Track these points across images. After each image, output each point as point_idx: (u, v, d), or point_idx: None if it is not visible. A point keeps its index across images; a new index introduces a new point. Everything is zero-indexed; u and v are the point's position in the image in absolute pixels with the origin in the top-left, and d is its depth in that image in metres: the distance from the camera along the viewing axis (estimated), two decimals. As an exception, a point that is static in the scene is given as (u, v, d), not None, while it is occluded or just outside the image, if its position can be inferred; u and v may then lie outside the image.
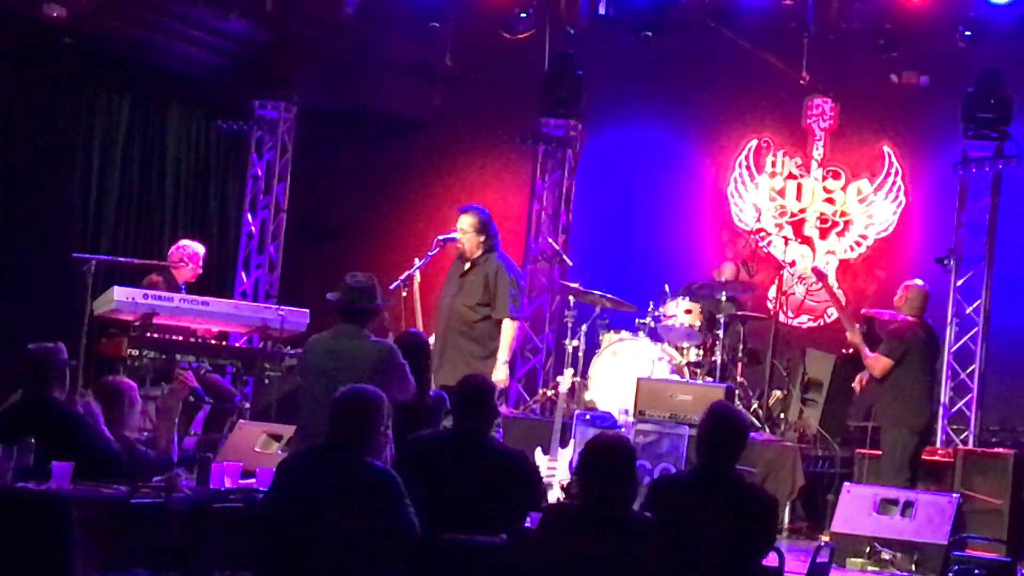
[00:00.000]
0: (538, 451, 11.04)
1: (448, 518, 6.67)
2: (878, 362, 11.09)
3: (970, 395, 13.04)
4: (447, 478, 6.88)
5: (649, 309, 12.66)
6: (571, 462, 10.70)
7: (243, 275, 14.65)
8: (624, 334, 12.64)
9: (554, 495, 10.54)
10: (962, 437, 12.89)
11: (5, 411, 7.89)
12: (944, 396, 12.94)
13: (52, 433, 7.28)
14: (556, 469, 10.94)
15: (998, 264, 13.22)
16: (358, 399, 6.70)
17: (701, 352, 12.64)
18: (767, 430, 12.26)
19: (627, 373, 12.15)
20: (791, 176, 14.52)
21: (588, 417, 11.71)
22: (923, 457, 11.73)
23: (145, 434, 8.96)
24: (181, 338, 11.29)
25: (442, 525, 6.63)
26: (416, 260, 10.67)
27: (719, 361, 12.47)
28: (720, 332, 12.50)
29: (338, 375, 7.38)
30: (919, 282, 11.46)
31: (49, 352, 7.72)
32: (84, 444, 7.38)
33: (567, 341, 12.79)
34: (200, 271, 11.86)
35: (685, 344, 12.64)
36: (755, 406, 12.56)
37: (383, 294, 7.99)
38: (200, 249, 11.89)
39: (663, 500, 6.47)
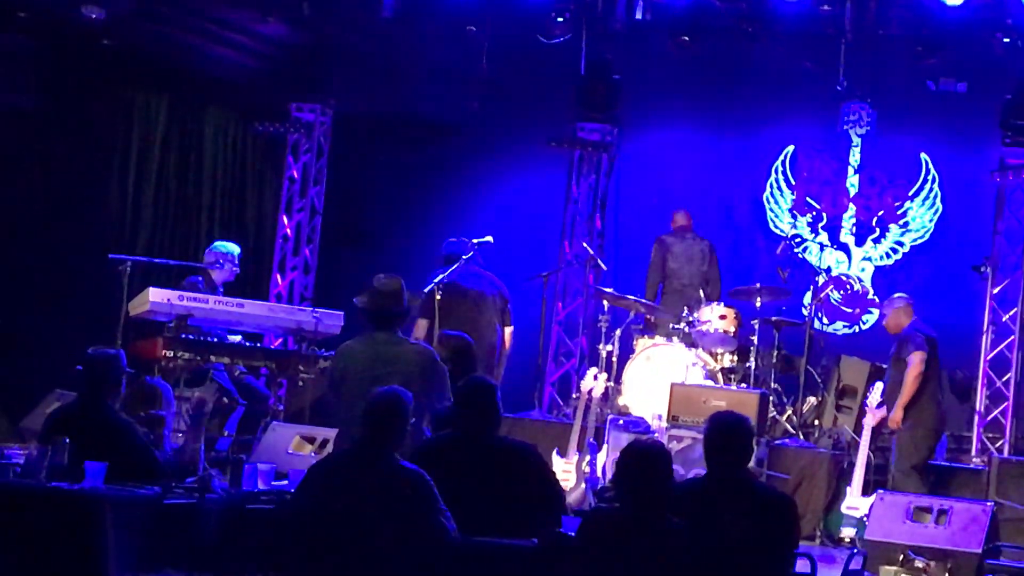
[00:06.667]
0: (553, 453, 11.01)
1: (466, 520, 6.64)
2: (916, 357, 11.02)
3: (1006, 403, 12.96)
4: (458, 480, 6.83)
5: (683, 314, 12.65)
6: (604, 467, 10.69)
7: (278, 277, 14.68)
8: (658, 339, 12.63)
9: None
10: (997, 445, 12.81)
11: (56, 412, 7.95)
12: (979, 404, 12.88)
13: (101, 438, 7.33)
14: (571, 472, 10.93)
15: (1035, 272, 13.15)
16: (395, 400, 6.71)
17: (735, 358, 12.60)
18: (801, 436, 12.23)
19: (661, 378, 12.13)
20: (827, 182, 14.47)
21: (621, 422, 11.71)
22: (957, 465, 11.68)
23: (180, 435, 9.00)
24: (215, 339, 11.32)
25: (461, 528, 6.60)
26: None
27: (753, 367, 12.43)
28: (755, 338, 12.47)
29: (387, 380, 7.24)
30: (899, 295, 11.54)
31: (106, 359, 7.76)
32: (131, 451, 7.43)
33: (601, 346, 12.79)
34: (237, 270, 11.84)
35: (719, 350, 12.61)
36: (789, 412, 12.53)
37: (409, 295, 7.95)
38: (235, 249, 11.86)
39: (682, 505, 6.47)
